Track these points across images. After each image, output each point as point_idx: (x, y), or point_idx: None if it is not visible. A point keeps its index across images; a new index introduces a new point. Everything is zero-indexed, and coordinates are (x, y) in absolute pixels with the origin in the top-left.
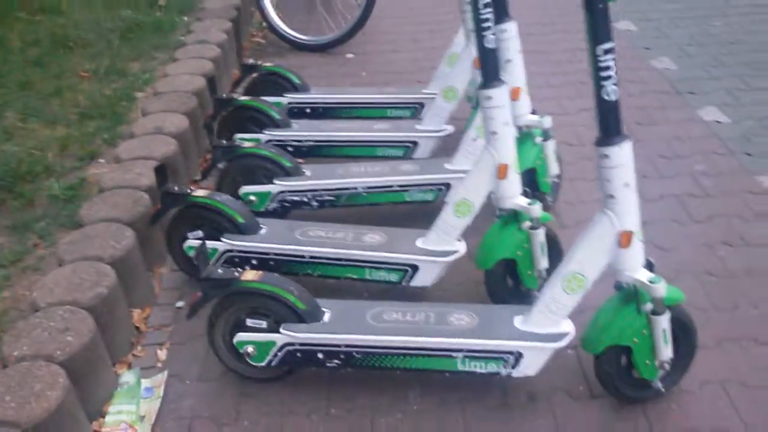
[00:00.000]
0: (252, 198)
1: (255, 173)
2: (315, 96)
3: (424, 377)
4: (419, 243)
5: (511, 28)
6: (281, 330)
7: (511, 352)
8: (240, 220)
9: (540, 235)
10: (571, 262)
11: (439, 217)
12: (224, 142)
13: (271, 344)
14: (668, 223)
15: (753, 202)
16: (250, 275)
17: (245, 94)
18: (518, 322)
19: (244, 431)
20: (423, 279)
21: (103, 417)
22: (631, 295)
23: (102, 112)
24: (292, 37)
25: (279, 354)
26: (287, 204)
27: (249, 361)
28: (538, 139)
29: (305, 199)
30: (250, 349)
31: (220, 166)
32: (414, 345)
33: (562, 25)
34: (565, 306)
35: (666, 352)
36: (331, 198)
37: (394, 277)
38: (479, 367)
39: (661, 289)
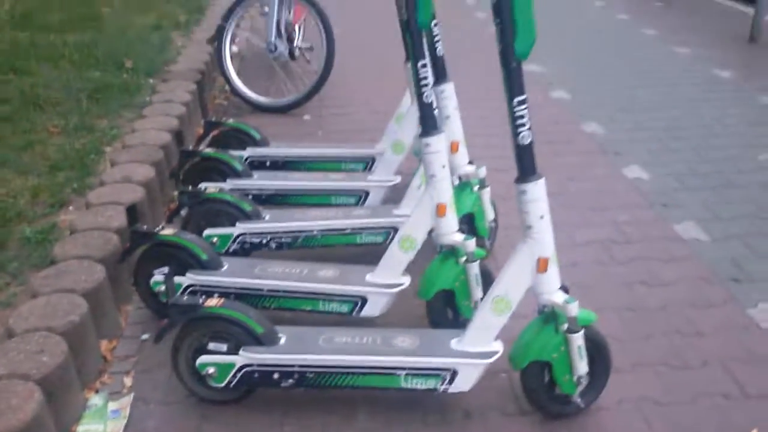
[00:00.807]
0: (215, 240)
1: (218, 217)
2: (274, 150)
3: (372, 398)
4: (368, 277)
5: (448, 88)
6: (240, 352)
7: (447, 369)
8: (203, 256)
9: (475, 267)
10: (498, 287)
11: (386, 252)
12: (190, 188)
13: (230, 366)
14: (593, 265)
15: (668, 247)
16: (212, 302)
17: (209, 147)
18: (453, 342)
19: None
20: (371, 310)
21: None
22: (549, 316)
23: (71, 164)
24: (253, 100)
25: (238, 375)
26: (248, 245)
27: (210, 382)
28: (476, 188)
29: (264, 241)
30: (211, 370)
31: (185, 211)
32: (361, 364)
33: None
34: (494, 326)
35: (582, 367)
36: (289, 240)
37: (345, 308)
38: (420, 384)
39: (575, 309)
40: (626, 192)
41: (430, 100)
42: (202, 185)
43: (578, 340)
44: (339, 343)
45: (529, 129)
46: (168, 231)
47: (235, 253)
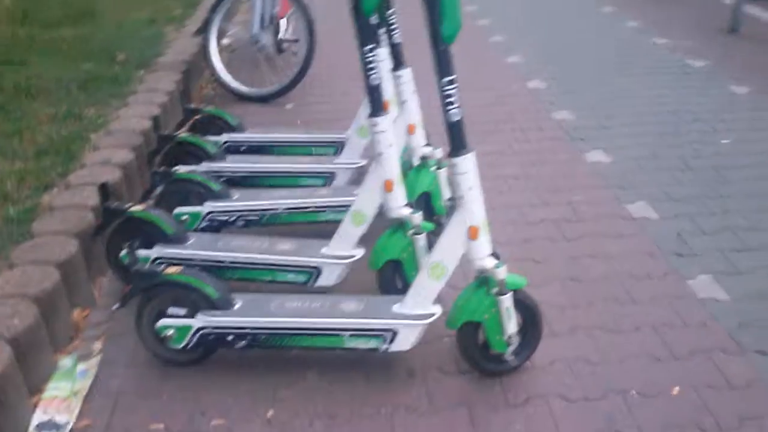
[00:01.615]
0: (185, 217)
1: (188, 196)
2: (250, 135)
3: (321, 358)
4: (323, 250)
5: (405, 74)
6: (197, 316)
7: (388, 330)
8: (170, 231)
9: (421, 240)
10: (434, 254)
11: (339, 227)
12: (162, 168)
13: (188, 328)
14: (544, 241)
15: (618, 224)
16: (172, 270)
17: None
18: (395, 306)
19: (164, 404)
20: (326, 280)
21: (41, 393)
22: (482, 280)
23: (57, 150)
24: (237, 89)
25: (195, 337)
26: (216, 223)
27: (169, 344)
28: (432, 168)
29: (232, 219)
30: (170, 332)
31: (158, 190)
32: (308, 326)
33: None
34: (432, 290)
35: (511, 326)
36: (255, 218)
37: (301, 278)
38: (362, 344)
39: (503, 273)
40: (585, 175)
41: (376, 83)
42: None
43: (507, 301)
44: (289, 307)
45: (458, 107)
46: (137, 208)
47: (204, 230)
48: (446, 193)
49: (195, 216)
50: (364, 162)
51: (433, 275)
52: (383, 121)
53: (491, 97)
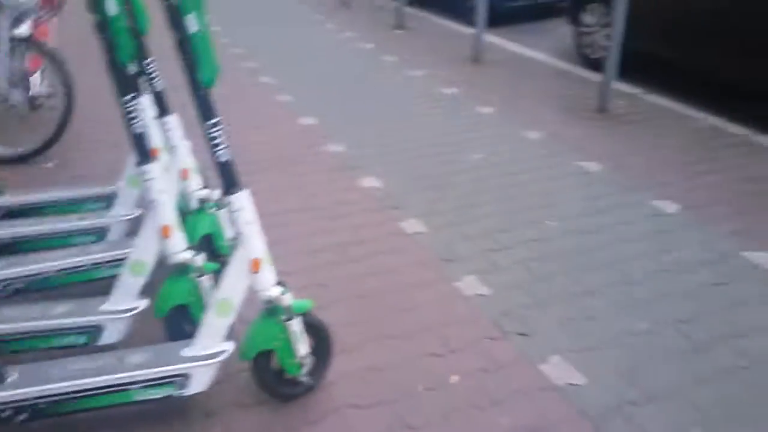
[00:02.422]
0: None
1: None
2: (11, 199)
3: (113, 416)
4: (103, 306)
5: (171, 120)
6: None
7: (179, 375)
8: None
9: (206, 281)
10: (219, 291)
11: (117, 279)
12: None
13: None
14: (329, 265)
15: (394, 242)
16: None
17: None
18: (184, 350)
19: None
20: (109, 337)
21: None
22: (269, 309)
23: None
24: None
25: None
26: None
27: None
28: (211, 210)
29: None
30: None
31: None
32: (93, 386)
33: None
34: (221, 328)
35: (302, 349)
36: (23, 285)
37: (82, 339)
38: (154, 394)
39: (288, 299)
40: (361, 200)
41: (140, 132)
42: None
43: (295, 326)
44: (72, 369)
45: (226, 148)
46: None
47: None
48: (229, 233)
49: None
50: (138, 212)
51: (220, 313)
52: (152, 169)
53: (266, 135)
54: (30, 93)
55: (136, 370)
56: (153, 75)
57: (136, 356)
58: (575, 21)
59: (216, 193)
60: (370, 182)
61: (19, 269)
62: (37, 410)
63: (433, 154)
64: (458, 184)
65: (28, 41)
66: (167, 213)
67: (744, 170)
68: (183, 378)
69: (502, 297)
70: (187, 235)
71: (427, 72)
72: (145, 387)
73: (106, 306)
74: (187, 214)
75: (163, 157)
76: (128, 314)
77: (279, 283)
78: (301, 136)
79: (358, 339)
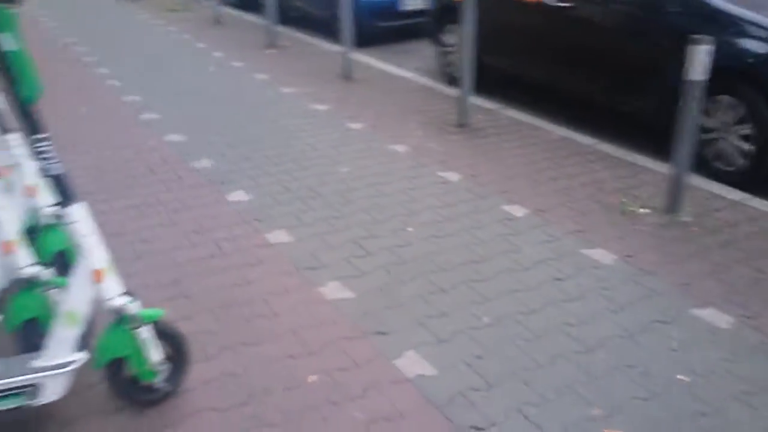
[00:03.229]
0: None
1: None
2: None
3: None
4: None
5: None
6: None
7: (28, 385)
8: None
9: (55, 295)
10: (65, 303)
11: None
12: None
13: None
14: (194, 277)
15: (258, 253)
16: None
17: None
18: (33, 362)
19: None
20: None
21: None
22: (119, 319)
23: None
24: None
25: None
26: None
27: None
28: (64, 226)
29: None
30: None
31: None
32: None
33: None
34: (69, 338)
35: (155, 355)
36: None
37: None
38: (6, 404)
39: (135, 308)
40: (228, 214)
41: None
42: None
43: (144, 333)
44: None
45: (57, 161)
46: None
47: None
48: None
49: None
50: None
51: (67, 323)
52: None
53: (130, 153)
54: None
55: None
56: None
57: None
58: (437, 41)
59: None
60: (238, 196)
61: None
62: None
63: (302, 167)
64: (325, 195)
65: None
66: (8, 229)
67: (587, 176)
68: (33, 388)
69: (364, 299)
70: (39, 251)
71: (298, 89)
72: None
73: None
74: (39, 231)
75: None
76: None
77: (126, 293)
78: (166, 152)
79: (218, 347)
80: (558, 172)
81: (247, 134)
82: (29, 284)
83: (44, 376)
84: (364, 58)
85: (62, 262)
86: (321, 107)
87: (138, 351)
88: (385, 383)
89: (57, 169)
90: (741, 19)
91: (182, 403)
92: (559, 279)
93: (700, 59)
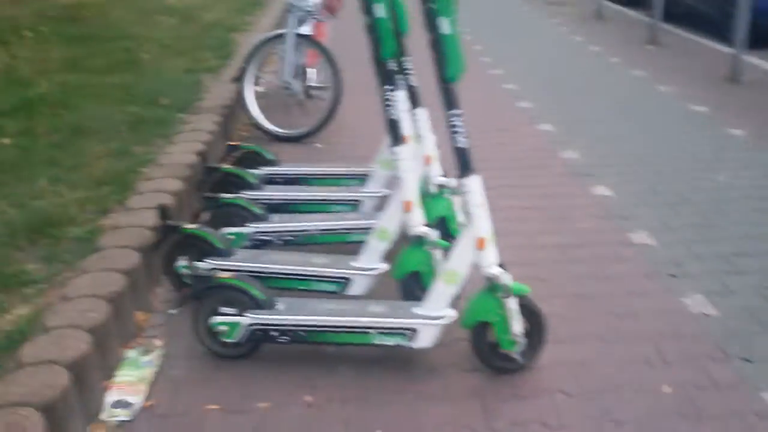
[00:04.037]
0: (231, 237)
1: (233, 218)
2: (284, 169)
3: (352, 355)
4: (352, 263)
5: (420, 113)
6: (245, 314)
7: (409, 329)
8: (219, 245)
9: (437, 254)
10: (448, 262)
11: (366, 242)
12: (211, 194)
13: (237, 324)
14: (550, 263)
15: (619, 250)
16: (225, 274)
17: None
18: (415, 309)
19: (218, 389)
20: (356, 289)
21: (112, 378)
22: (490, 285)
23: (113, 181)
24: (271, 131)
25: (244, 332)
26: (258, 242)
27: (222, 338)
28: (447, 195)
29: (272, 239)
30: (223, 328)
31: (207, 214)
32: (341, 324)
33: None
34: (446, 295)
35: (517, 327)
36: (292, 238)
37: (333, 287)
38: (388, 341)
39: (508, 278)
40: (590, 206)
41: (395, 118)
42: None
43: (512, 304)
44: (324, 308)
45: (464, 135)
46: (192, 226)
47: (248, 248)
48: (460, 218)
49: (240, 236)
50: (386, 192)
51: (447, 281)
52: (403, 151)
53: (505, 137)
54: (306, 83)
55: (375, 317)
56: (408, 71)
57: (375, 307)
58: None
59: (453, 181)
60: (601, 191)
61: (289, 225)
62: (297, 336)
63: (673, 170)
64: (696, 202)
65: (308, 39)
66: (411, 190)
67: None
68: (412, 332)
69: (730, 320)
70: (425, 214)
71: (676, 89)
72: (381, 333)
73: (356, 263)
74: (426, 197)
75: (411, 144)
76: (372, 272)
77: (500, 265)
78: (537, 141)
79: (571, 334)
80: None
81: (617, 130)
82: (419, 241)
83: (422, 324)
84: (757, 60)
85: (443, 227)
86: (699, 109)
87: (503, 319)
88: (749, 414)
89: (463, 142)
90: None
91: (534, 379)
92: None
93: None
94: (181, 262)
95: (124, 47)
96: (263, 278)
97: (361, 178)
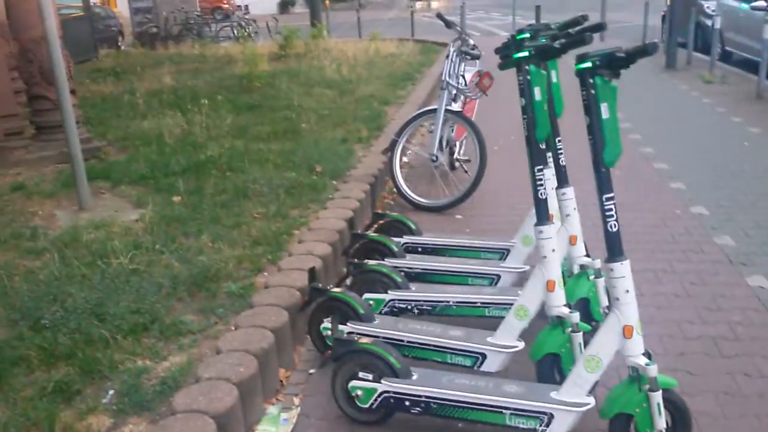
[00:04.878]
0: (371, 302)
1: (375, 285)
2: (426, 239)
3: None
4: (489, 338)
5: (568, 191)
6: (382, 381)
7: (545, 413)
8: (361, 311)
9: (579, 337)
10: (591, 348)
11: (504, 319)
12: (356, 260)
13: (373, 391)
14: (700, 356)
15: None
16: (365, 340)
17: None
18: (552, 393)
19: None
20: (490, 365)
21: (253, 430)
22: (634, 376)
23: (268, 241)
24: (415, 200)
25: (378, 399)
26: (396, 309)
27: (357, 402)
28: (591, 276)
29: (409, 307)
30: (359, 392)
31: (350, 279)
32: (475, 401)
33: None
34: (587, 382)
35: (660, 422)
36: (429, 308)
37: (468, 362)
38: (522, 423)
39: (654, 371)
40: (745, 298)
41: (544, 197)
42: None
43: (657, 398)
44: (458, 383)
45: (616, 219)
46: (337, 290)
47: (386, 314)
48: (603, 301)
49: (379, 301)
50: (526, 268)
51: (588, 367)
52: (548, 229)
53: (654, 218)
54: (453, 156)
55: (511, 398)
56: (559, 150)
57: (512, 387)
58: None
59: (597, 262)
60: (759, 281)
61: (428, 295)
62: (429, 408)
63: None
64: None
65: (458, 114)
66: (555, 269)
67: None
68: (547, 417)
69: None
70: (566, 294)
71: None
72: (515, 415)
73: (492, 339)
74: (568, 277)
75: (556, 223)
76: (509, 350)
77: (646, 354)
78: (690, 224)
79: None
80: None
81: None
82: (559, 323)
83: (559, 409)
84: None
85: (584, 309)
86: None
87: (646, 413)
88: None
89: (614, 226)
90: None
91: None
92: None
93: None
94: (326, 324)
95: (286, 116)
96: (400, 346)
97: (501, 252)
